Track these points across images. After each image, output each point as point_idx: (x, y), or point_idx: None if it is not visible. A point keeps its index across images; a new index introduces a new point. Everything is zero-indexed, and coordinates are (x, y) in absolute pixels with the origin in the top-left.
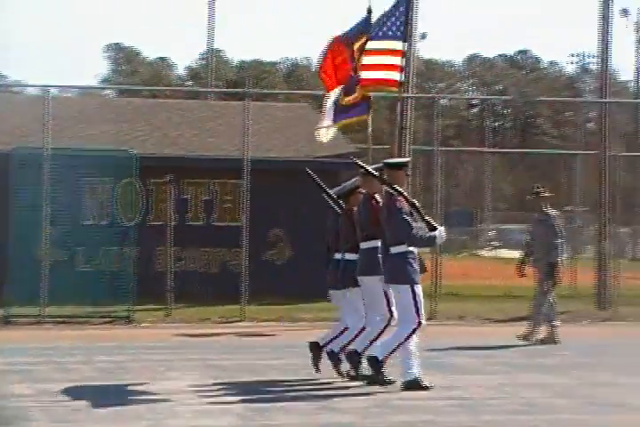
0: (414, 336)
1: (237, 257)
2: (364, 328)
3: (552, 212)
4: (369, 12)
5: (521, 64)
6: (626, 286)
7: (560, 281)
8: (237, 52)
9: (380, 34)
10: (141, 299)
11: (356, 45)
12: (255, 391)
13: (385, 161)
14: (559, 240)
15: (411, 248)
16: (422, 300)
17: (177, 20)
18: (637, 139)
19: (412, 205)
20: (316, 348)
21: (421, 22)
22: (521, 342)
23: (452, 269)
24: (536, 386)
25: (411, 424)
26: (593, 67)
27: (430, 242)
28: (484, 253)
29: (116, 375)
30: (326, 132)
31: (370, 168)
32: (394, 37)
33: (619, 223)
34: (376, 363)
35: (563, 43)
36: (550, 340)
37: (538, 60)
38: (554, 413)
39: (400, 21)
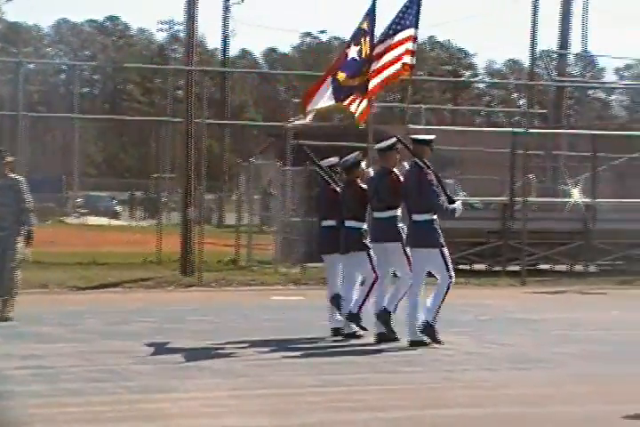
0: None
1: None
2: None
3: (19, 177)
4: None
5: (110, 30)
6: (210, 251)
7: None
8: None
9: (391, 32)
10: None
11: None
12: None
13: (413, 137)
14: (30, 205)
15: (434, 216)
16: (450, 259)
17: None
18: (224, 107)
19: (438, 178)
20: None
21: None
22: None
23: (38, 237)
24: (119, 353)
25: None
26: (181, 35)
27: (452, 213)
28: (71, 220)
29: None
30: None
31: (401, 144)
32: (406, 27)
33: (205, 190)
34: (429, 327)
35: (152, 10)
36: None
37: (127, 26)
38: (134, 380)
39: (414, 10)
